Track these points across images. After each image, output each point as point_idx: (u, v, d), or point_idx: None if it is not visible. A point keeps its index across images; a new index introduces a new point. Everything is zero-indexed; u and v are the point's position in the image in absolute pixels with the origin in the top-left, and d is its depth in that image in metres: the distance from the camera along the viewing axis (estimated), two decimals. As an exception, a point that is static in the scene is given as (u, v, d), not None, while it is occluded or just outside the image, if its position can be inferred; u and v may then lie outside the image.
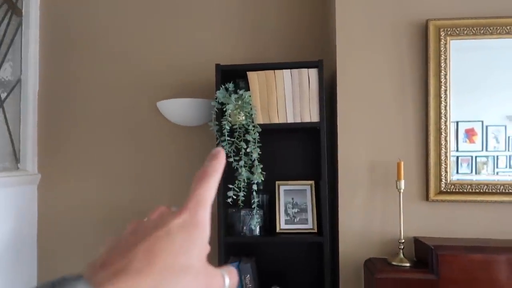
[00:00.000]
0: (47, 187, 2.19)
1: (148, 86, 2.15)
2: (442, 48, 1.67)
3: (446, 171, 1.68)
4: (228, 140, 1.71)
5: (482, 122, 1.68)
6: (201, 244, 0.36)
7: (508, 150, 1.67)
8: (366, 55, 1.75)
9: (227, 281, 0.38)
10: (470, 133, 1.68)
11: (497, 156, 1.67)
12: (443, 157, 1.68)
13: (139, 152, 2.14)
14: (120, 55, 2.18)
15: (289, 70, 1.74)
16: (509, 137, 1.67)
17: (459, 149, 1.67)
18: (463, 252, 1.49)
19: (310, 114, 1.74)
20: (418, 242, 1.66)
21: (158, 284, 0.31)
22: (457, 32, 1.67)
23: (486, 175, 1.68)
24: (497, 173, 1.67)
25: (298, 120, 1.74)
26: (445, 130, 1.68)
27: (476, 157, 1.68)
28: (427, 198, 1.70)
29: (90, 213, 2.15)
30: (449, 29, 1.67)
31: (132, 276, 0.31)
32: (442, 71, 1.67)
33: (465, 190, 1.67)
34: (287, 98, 1.75)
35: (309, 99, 1.74)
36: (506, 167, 1.67)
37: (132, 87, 2.16)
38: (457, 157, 1.68)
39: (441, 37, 1.68)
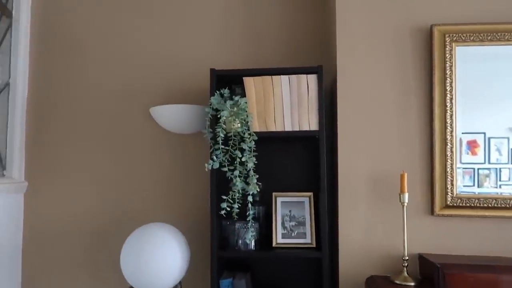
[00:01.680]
0: (34, 196, 2.09)
1: (141, 92, 2.07)
2: (447, 55, 1.60)
3: (452, 184, 1.59)
4: (222, 148, 1.62)
5: (485, 133, 1.59)
6: None
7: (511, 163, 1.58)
8: (368, 61, 1.67)
9: None
10: (472, 145, 1.60)
11: (500, 169, 1.58)
12: (448, 169, 1.59)
13: (131, 160, 2.05)
14: (112, 59, 2.10)
15: (287, 76, 1.66)
16: (511, 149, 1.58)
17: (462, 161, 1.58)
18: (471, 271, 1.39)
19: (309, 122, 1.66)
20: (423, 259, 1.56)
21: None
22: (463, 38, 1.60)
23: (489, 188, 1.58)
24: (500, 186, 1.58)
25: (296, 128, 1.66)
26: (451, 140, 1.59)
27: (478, 169, 1.60)
28: (432, 212, 1.61)
29: (79, 223, 2.05)
30: (454, 34, 1.60)
31: None
32: (448, 78, 1.59)
33: (472, 205, 1.57)
34: (284, 105, 1.67)
35: (308, 107, 1.66)
36: (509, 180, 1.58)
37: (125, 92, 2.08)
38: (461, 169, 1.59)
39: (446, 43, 1.60)
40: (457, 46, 1.60)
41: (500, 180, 1.58)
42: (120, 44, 2.10)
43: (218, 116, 1.63)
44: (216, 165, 1.60)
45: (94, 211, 2.05)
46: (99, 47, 2.11)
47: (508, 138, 1.59)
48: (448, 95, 1.59)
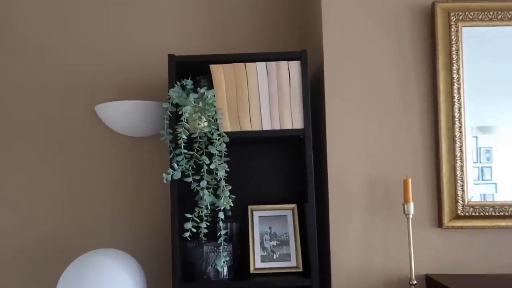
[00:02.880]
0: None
1: (84, 86, 1.69)
2: (453, 37, 1.35)
3: (463, 190, 1.33)
4: (185, 153, 1.29)
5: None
6: None
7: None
8: (360, 46, 1.40)
9: None
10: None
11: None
12: (458, 172, 1.33)
13: (71, 169, 1.66)
14: (47, 48, 1.71)
15: (264, 62, 1.36)
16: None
17: (482, 161, 1.34)
18: (497, 297, 1.14)
19: (292, 119, 1.36)
20: (432, 282, 1.29)
21: None
22: (471, 17, 1.36)
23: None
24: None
25: (277, 127, 1.35)
26: (460, 137, 1.34)
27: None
28: (440, 224, 1.34)
29: (6, 248, 1.64)
30: (460, 13, 1.35)
31: None
32: (454, 64, 1.35)
33: (487, 214, 1.32)
34: (262, 99, 1.36)
35: (290, 100, 1.36)
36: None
37: (63, 87, 1.69)
38: (482, 168, 1.34)
39: (451, 23, 1.35)
40: (463, 26, 1.36)
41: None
42: (59, 29, 1.72)
43: (180, 113, 1.30)
44: (178, 175, 1.27)
45: (26, 233, 1.64)
46: (33, 32, 1.72)
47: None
48: (455, 84, 1.34)
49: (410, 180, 1.29)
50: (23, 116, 1.68)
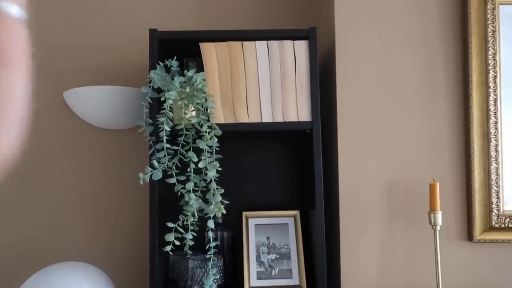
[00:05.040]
0: None
1: (51, 68, 1.44)
2: (489, 15, 1.14)
3: (498, 197, 1.13)
4: (168, 148, 1.05)
5: None
6: None
7: None
8: (378, 25, 1.19)
9: None
10: None
11: None
12: (493, 176, 1.13)
13: (38, 169, 1.42)
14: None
15: (265, 41, 1.14)
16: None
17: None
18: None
19: (297, 109, 1.14)
20: (461, 306, 1.09)
21: None
22: (510, -8, 1.15)
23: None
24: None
25: (279, 119, 1.13)
26: (496, 135, 1.13)
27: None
28: (470, 237, 1.14)
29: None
30: (498, -12, 1.15)
31: None
32: (490, 48, 1.14)
33: (526, 225, 1.12)
34: (261, 85, 1.14)
35: (296, 87, 1.14)
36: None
37: (31, 71, 1.44)
38: None
39: (488, 1, 1.15)
40: (501, 4, 1.15)
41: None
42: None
43: (162, 99, 1.07)
44: (158, 175, 1.04)
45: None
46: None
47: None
48: (491, 71, 1.14)
49: (438, 185, 1.08)
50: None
